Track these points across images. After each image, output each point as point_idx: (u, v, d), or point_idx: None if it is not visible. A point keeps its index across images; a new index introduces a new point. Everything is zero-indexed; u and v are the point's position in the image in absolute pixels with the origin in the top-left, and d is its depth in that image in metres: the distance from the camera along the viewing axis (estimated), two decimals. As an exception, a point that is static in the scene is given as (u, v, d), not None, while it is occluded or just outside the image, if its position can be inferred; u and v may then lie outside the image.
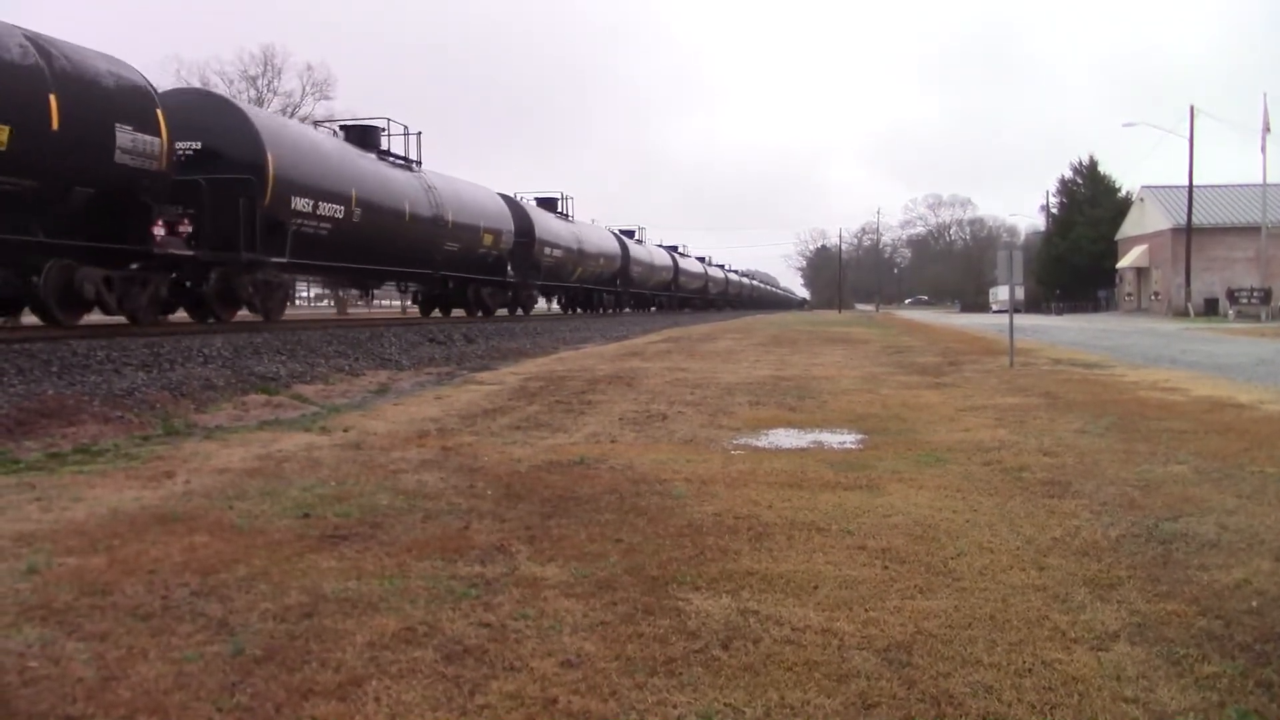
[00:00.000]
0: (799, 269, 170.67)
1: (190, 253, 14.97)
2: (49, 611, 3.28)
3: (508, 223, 28.61)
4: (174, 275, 15.45)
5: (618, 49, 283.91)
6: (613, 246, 42.12)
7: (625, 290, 44.78)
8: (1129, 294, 63.78)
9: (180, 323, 16.42)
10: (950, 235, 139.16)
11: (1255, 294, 47.03)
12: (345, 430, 7.49)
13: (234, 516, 4.62)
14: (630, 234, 48.88)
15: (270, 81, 57.86)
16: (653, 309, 53.68)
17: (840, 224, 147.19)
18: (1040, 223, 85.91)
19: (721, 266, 79.64)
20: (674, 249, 60.18)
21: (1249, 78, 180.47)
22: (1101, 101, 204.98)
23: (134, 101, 13.81)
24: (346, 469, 5.86)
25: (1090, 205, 70.49)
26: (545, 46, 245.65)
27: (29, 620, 3.20)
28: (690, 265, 63.03)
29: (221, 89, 52.43)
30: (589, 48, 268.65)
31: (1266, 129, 45.71)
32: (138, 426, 7.51)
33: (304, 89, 55.39)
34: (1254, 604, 3.51)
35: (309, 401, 9.58)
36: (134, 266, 14.35)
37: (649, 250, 51.48)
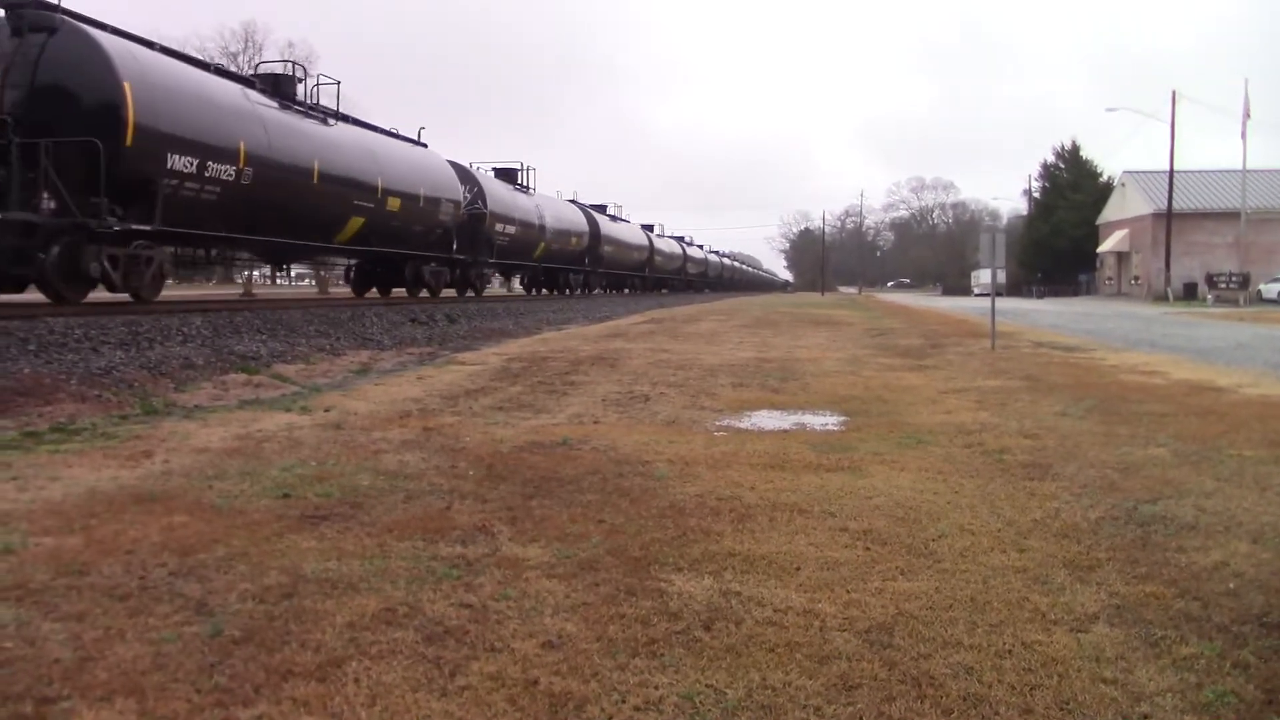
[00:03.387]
0: (782, 251, 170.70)
1: None
2: (25, 592, 3.25)
3: (455, 192, 24.96)
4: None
5: (603, 30, 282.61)
6: (580, 223, 39.02)
7: (595, 270, 41.90)
8: (1109, 278, 64.16)
9: (165, 301, 15.23)
10: (933, 218, 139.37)
11: (1234, 279, 47.39)
12: (326, 410, 7.44)
13: (213, 496, 4.58)
14: (602, 209, 45.13)
15: (251, 58, 57.30)
16: (626, 290, 50.56)
17: (824, 206, 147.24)
18: (1023, 206, 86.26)
19: (701, 247, 78.96)
20: (649, 228, 57.39)
21: (1232, 64, 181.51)
22: (1085, 86, 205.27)
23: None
24: (327, 449, 5.82)
25: (1072, 189, 70.72)
26: (531, 26, 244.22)
27: (4, 601, 3.17)
28: (667, 245, 60.95)
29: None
30: (574, 29, 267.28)
31: (1247, 115, 46.07)
32: (115, 406, 7.44)
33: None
34: (1231, 585, 3.54)
35: (290, 381, 9.51)
36: None
37: (622, 228, 47.95)
